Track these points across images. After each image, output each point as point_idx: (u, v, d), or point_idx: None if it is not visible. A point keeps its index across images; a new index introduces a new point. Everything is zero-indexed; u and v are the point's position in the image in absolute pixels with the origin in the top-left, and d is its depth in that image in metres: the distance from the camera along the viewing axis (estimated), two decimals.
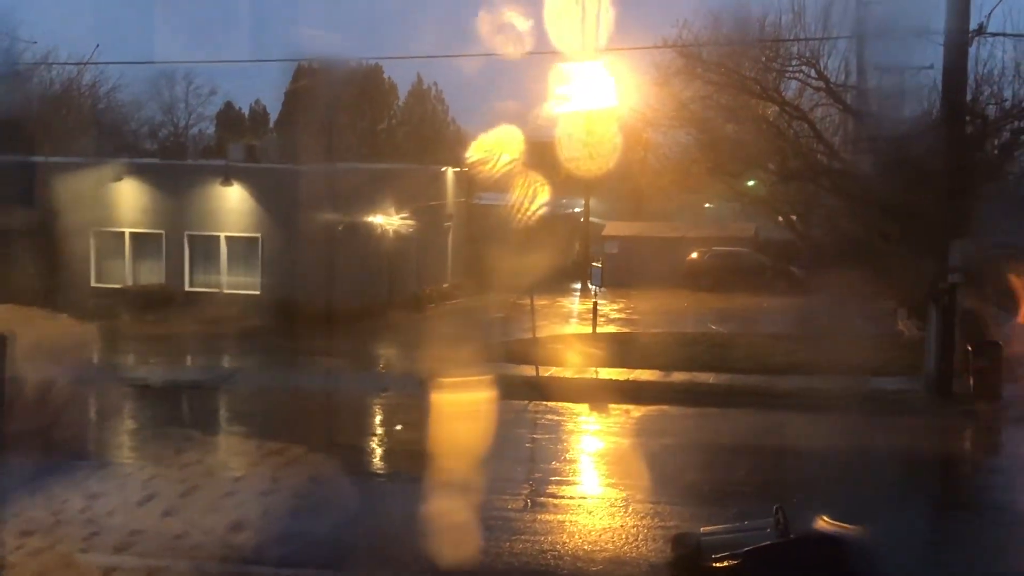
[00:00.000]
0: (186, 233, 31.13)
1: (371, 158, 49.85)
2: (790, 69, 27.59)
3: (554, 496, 14.23)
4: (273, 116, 60.65)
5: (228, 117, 60.30)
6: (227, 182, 30.56)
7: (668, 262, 40.15)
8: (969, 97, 23.62)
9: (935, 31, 23.24)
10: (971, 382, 20.50)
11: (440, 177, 38.26)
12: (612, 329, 29.15)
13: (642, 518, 13.07)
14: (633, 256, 41.44)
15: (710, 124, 30.44)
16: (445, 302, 34.77)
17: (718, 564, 8.48)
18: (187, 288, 31.07)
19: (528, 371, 22.34)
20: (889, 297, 32.72)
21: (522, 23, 26.98)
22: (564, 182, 41.10)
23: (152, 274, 31.50)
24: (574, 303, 36.02)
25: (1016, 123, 27.46)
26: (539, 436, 18.09)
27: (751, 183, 34.71)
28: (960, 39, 20.57)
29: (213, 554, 11.51)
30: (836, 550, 8.42)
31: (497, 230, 39.27)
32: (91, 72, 45.49)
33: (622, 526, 12.80)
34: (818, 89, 27.77)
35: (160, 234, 31.40)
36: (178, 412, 20.59)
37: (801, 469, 15.95)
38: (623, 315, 33.08)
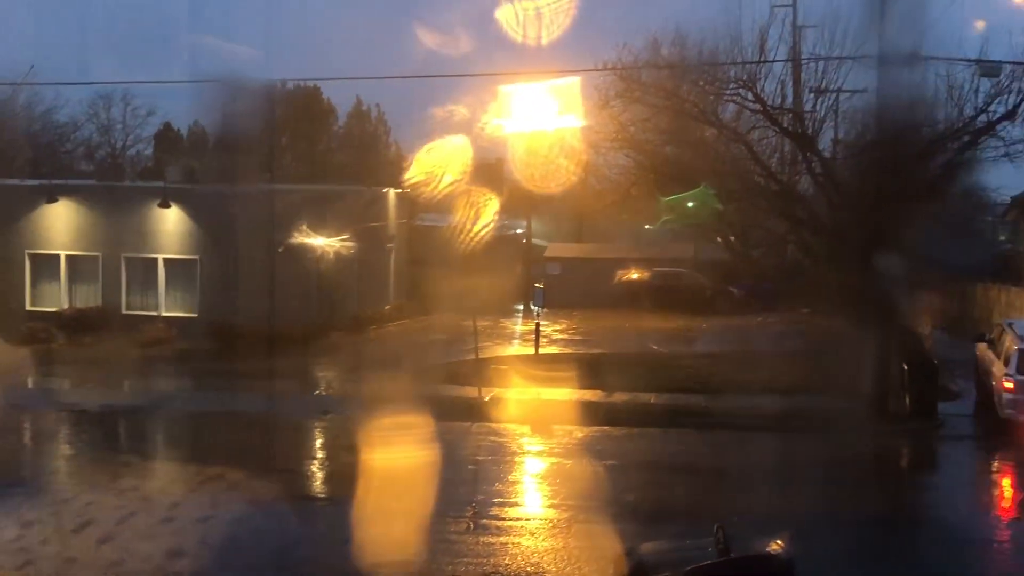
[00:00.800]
0: (123, 255, 30.77)
1: (311, 179, 49.62)
2: (727, 92, 27.92)
3: (497, 518, 14.20)
4: (211, 138, 60.15)
5: (166, 138, 59.72)
6: (165, 204, 30.27)
7: (609, 283, 40.38)
8: (902, 119, 24.06)
9: (870, 55, 23.71)
10: (907, 400, 20.79)
11: (381, 198, 38.17)
12: (554, 350, 29.21)
13: (584, 538, 13.08)
14: (575, 277, 41.60)
15: (649, 146, 30.72)
16: (387, 324, 34.63)
17: None
18: (124, 311, 30.68)
19: (470, 392, 22.31)
20: (825, 316, 33.14)
21: (465, 44, 27.08)
22: (506, 204, 41.21)
23: (89, 297, 31.06)
24: (516, 324, 36.06)
25: (949, 145, 28.02)
26: (482, 458, 18.04)
27: (691, 204, 35.01)
28: (894, 62, 20.96)
29: None
30: (776, 569, 8.47)
31: (439, 252, 39.23)
32: (26, 92, 44.85)
33: (564, 547, 12.80)
34: (755, 112, 28.13)
35: (97, 256, 31.00)
36: (115, 437, 20.28)
37: (741, 488, 16.08)
38: (565, 336, 33.17)
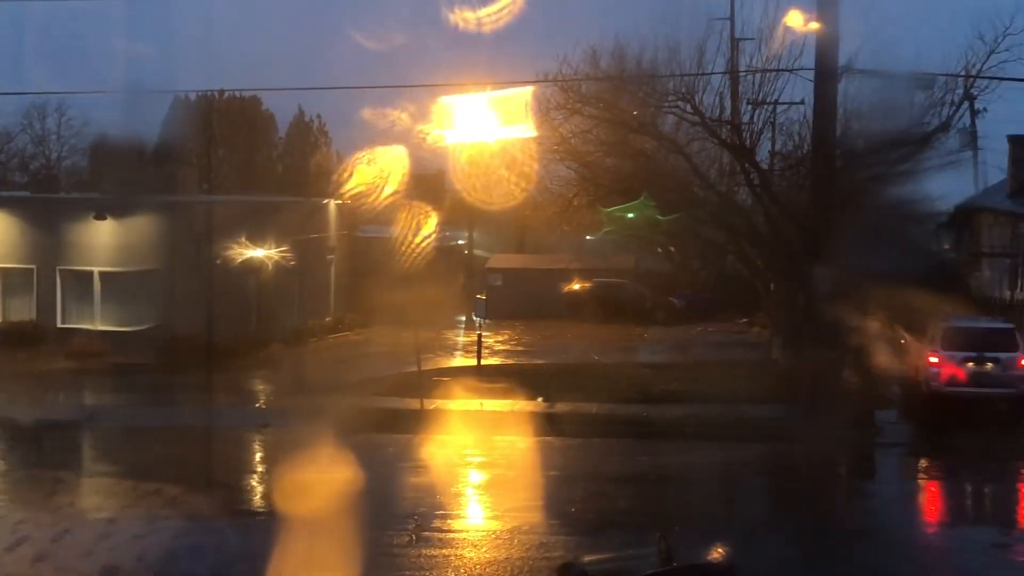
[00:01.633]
0: (58, 268, 30.28)
1: (251, 191, 49.23)
2: (667, 104, 28.12)
3: (439, 530, 14.13)
4: (147, 149, 59.38)
5: (102, 150, 58.84)
6: (101, 216, 29.83)
7: (551, 294, 40.48)
8: (838, 131, 24.40)
9: (806, 67, 24.03)
10: (845, 408, 21.02)
11: (322, 210, 37.96)
12: (496, 361, 29.20)
13: (527, 550, 13.06)
14: (517, 288, 41.65)
15: (590, 157, 30.85)
16: (328, 336, 34.42)
17: None
18: (60, 324, 30.18)
19: (412, 405, 22.22)
20: (764, 325, 33.51)
21: (405, 55, 27.05)
22: (448, 215, 41.17)
23: (23, 310, 30.52)
24: (459, 336, 36.01)
25: (883, 156, 28.45)
26: (424, 469, 17.95)
27: (631, 215, 35.22)
28: (829, 75, 21.25)
29: None
30: None
31: (381, 263, 39.08)
32: None
33: (507, 558, 12.77)
34: (694, 124, 28.35)
35: (31, 269, 30.48)
36: (49, 453, 19.92)
37: (682, 497, 16.18)
38: (507, 347, 33.18)
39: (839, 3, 20.78)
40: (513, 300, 40.16)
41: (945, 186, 31.78)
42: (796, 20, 23.98)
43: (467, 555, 13.06)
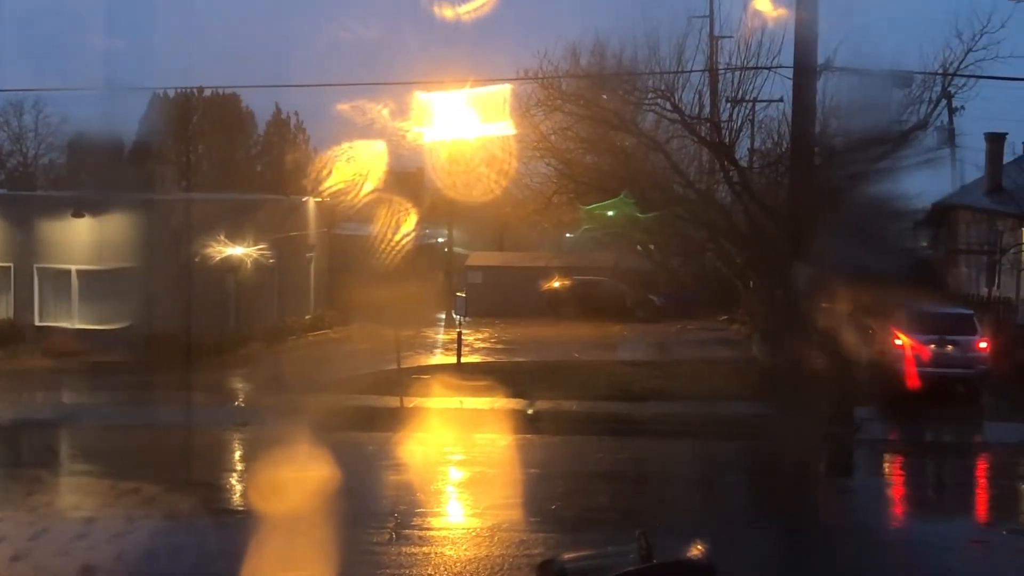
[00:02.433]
0: (35, 266, 30.08)
1: (230, 188, 49.03)
2: (646, 101, 28.15)
3: (419, 528, 14.12)
4: (127, 146, 59.15)
5: (80, 147, 58.53)
6: (78, 213, 29.64)
7: (531, 291, 40.50)
8: (817, 129, 24.48)
9: (785, 65, 24.10)
10: (825, 405, 21.10)
11: (301, 207, 37.84)
12: (477, 359, 29.18)
13: (507, 547, 13.06)
14: (497, 286, 41.64)
15: (570, 155, 30.87)
16: (308, 334, 34.31)
17: None
18: (37, 323, 30.00)
19: (392, 402, 22.19)
20: (743, 322, 33.63)
21: (385, 52, 26.99)
22: (427, 212, 41.12)
23: None
24: (439, 333, 35.96)
25: (861, 154, 28.56)
26: (404, 468, 17.94)
27: (611, 213, 35.27)
28: (808, 73, 21.30)
29: None
30: (697, 573, 8.53)
31: (360, 261, 39.00)
32: None
33: (487, 556, 12.77)
34: (673, 121, 28.38)
35: (8, 267, 30.28)
36: (27, 452, 19.80)
37: (663, 495, 16.21)
38: (487, 344, 33.16)
39: (818, 0, 20.82)
40: (493, 298, 40.16)
41: (923, 184, 31.93)
42: (765, 4, 24.07)
43: (447, 553, 13.05)
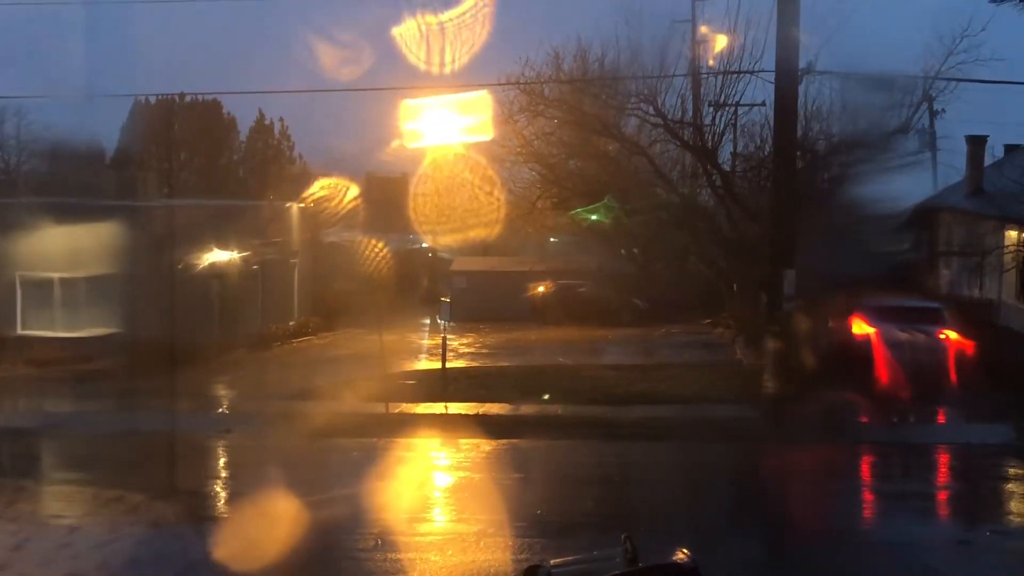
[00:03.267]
0: (17, 274, 29.94)
1: (213, 194, 48.94)
2: (629, 106, 28.28)
3: (404, 534, 14.09)
4: (109, 152, 58.96)
5: (61, 154, 58.25)
6: (62, 220, 29.50)
7: (515, 296, 40.54)
8: (800, 133, 24.60)
9: (767, 69, 24.21)
10: (806, 407, 21.20)
11: (285, 213, 37.80)
12: (461, 364, 29.17)
13: (493, 552, 13.05)
14: (481, 291, 41.68)
15: (554, 160, 30.96)
16: (292, 340, 34.26)
17: None
18: (19, 331, 29.85)
19: (377, 408, 22.16)
20: (727, 326, 33.71)
21: (369, 58, 26.99)
22: (411, 217, 41.10)
23: None
24: (423, 338, 35.95)
25: (844, 157, 28.74)
26: (389, 473, 17.90)
27: (594, 217, 35.37)
28: (790, 77, 21.38)
29: None
30: None
31: (344, 267, 39.00)
32: None
33: (473, 561, 12.76)
34: (656, 125, 28.52)
35: None
36: (9, 461, 19.67)
37: (648, 498, 16.23)
38: (472, 349, 33.16)
39: (799, 4, 20.91)
40: (477, 303, 40.18)
41: (905, 186, 32.13)
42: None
43: (432, 558, 13.03)
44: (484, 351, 32.89)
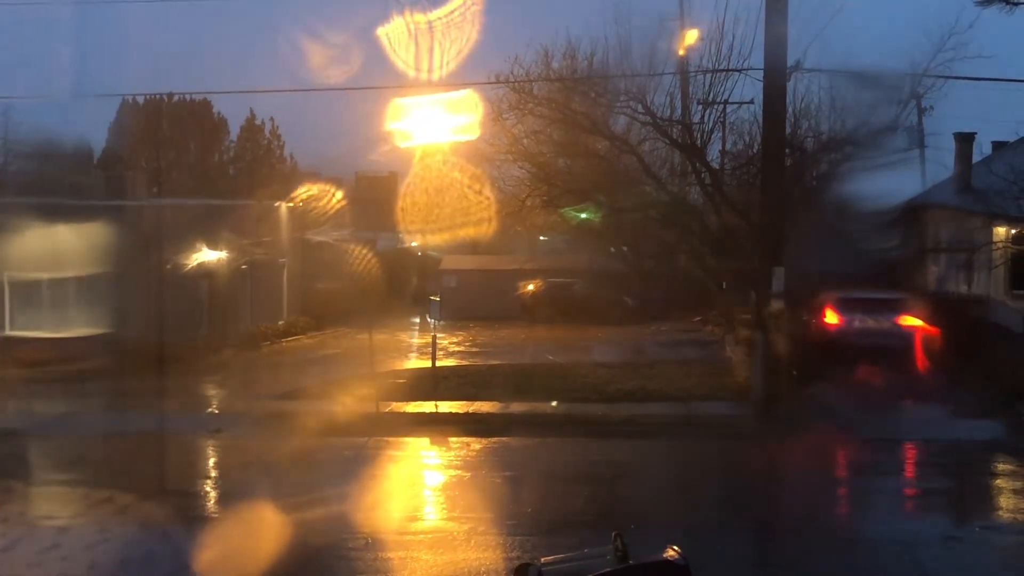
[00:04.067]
0: (6, 274, 29.83)
1: (202, 194, 48.83)
2: (618, 104, 28.27)
3: (395, 532, 14.08)
4: (97, 152, 58.83)
5: (49, 154, 58.05)
6: (50, 220, 29.41)
7: (505, 294, 40.54)
8: (788, 131, 24.63)
9: (755, 67, 24.23)
10: (797, 404, 21.25)
11: (274, 213, 37.74)
12: (452, 362, 29.16)
13: (484, 551, 13.05)
14: (471, 289, 41.67)
15: (543, 158, 30.95)
16: (281, 339, 34.21)
17: None
18: (7, 332, 29.75)
19: (367, 407, 22.13)
20: (717, 323, 33.77)
21: (357, 58, 26.95)
22: (400, 216, 41.05)
23: None
24: (413, 337, 35.93)
25: (832, 155, 28.79)
26: (379, 472, 17.89)
27: (584, 215, 35.41)
28: (779, 74, 21.42)
29: None
30: (673, 574, 8.54)
31: (334, 266, 38.96)
32: None
33: (464, 559, 12.76)
34: (645, 124, 28.51)
35: None
36: None
37: (638, 496, 16.24)
38: (462, 348, 33.15)
39: (787, 2, 20.94)
40: (467, 301, 40.17)
41: (894, 183, 32.20)
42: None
43: (423, 557, 13.03)
44: (474, 350, 32.89)
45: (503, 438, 20.07)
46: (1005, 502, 16.42)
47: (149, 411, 22.42)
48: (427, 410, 22.27)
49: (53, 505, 16.11)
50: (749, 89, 28.46)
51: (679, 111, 30.08)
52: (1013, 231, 28.65)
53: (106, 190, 34.10)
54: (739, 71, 27.24)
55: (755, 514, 15.36)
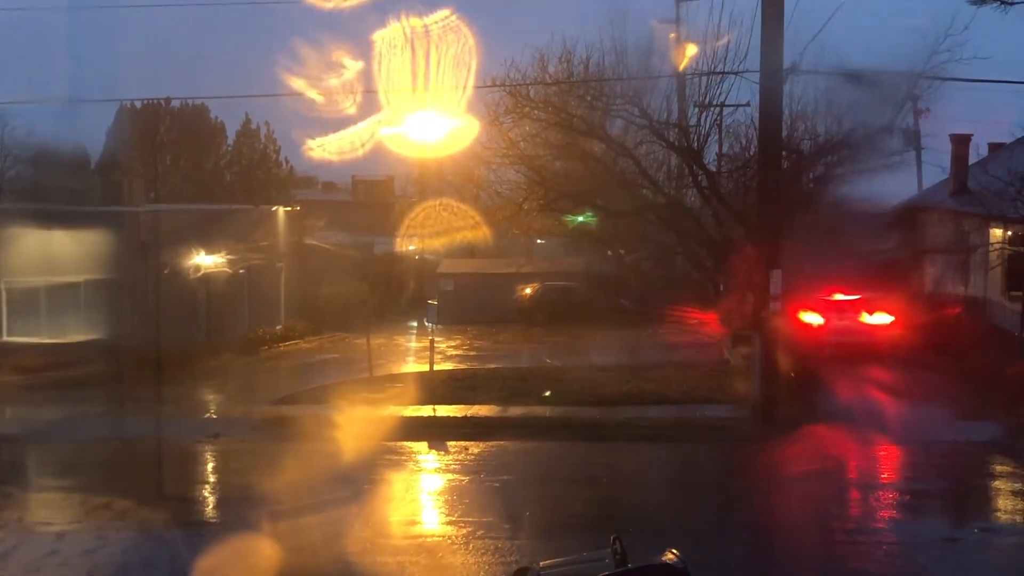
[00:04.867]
0: (3, 280, 29.81)
1: (200, 199, 48.79)
2: (614, 108, 28.27)
3: (394, 537, 14.09)
4: (94, 158, 58.79)
5: (47, 159, 58.00)
6: (47, 226, 29.40)
7: (503, 298, 40.50)
8: (784, 133, 24.62)
9: (751, 70, 24.25)
10: (795, 408, 21.25)
11: (271, 217, 37.72)
12: (449, 366, 29.16)
13: (483, 555, 13.06)
14: (468, 293, 41.63)
15: (540, 161, 30.94)
16: (279, 344, 34.18)
17: None
18: (5, 338, 29.71)
19: (365, 411, 22.14)
20: (714, 326, 33.75)
21: (354, 63, 26.95)
22: (398, 220, 41.09)
23: None
24: (411, 341, 35.92)
25: (829, 157, 28.81)
26: (377, 476, 17.88)
27: (581, 219, 35.41)
28: (775, 77, 21.42)
29: None
30: None
31: (331, 270, 38.95)
32: None
33: (463, 563, 12.76)
34: (642, 127, 28.50)
35: None
36: None
37: (636, 499, 16.24)
38: (460, 352, 33.15)
39: (783, 4, 20.95)
40: (465, 305, 40.14)
41: (890, 185, 32.22)
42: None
43: (423, 561, 13.03)
44: (472, 353, 32.88)
45: (501, 442, 20.08)
46: (1003, 504, 16.44)
47: (147, 416, 22.42)
48: (425, 414, 22.27)
49: (51, 511, 16.11)
50: (745, 92, 28.46)
51: (675, 114, 30.11)
52: (1010, 232, 28.65)
53: (103, 195, 34.07)
54: (735, 74, 27.28)
55: (753, 517, 15.37)
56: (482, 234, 38.18)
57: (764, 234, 21.70)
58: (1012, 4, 21.78)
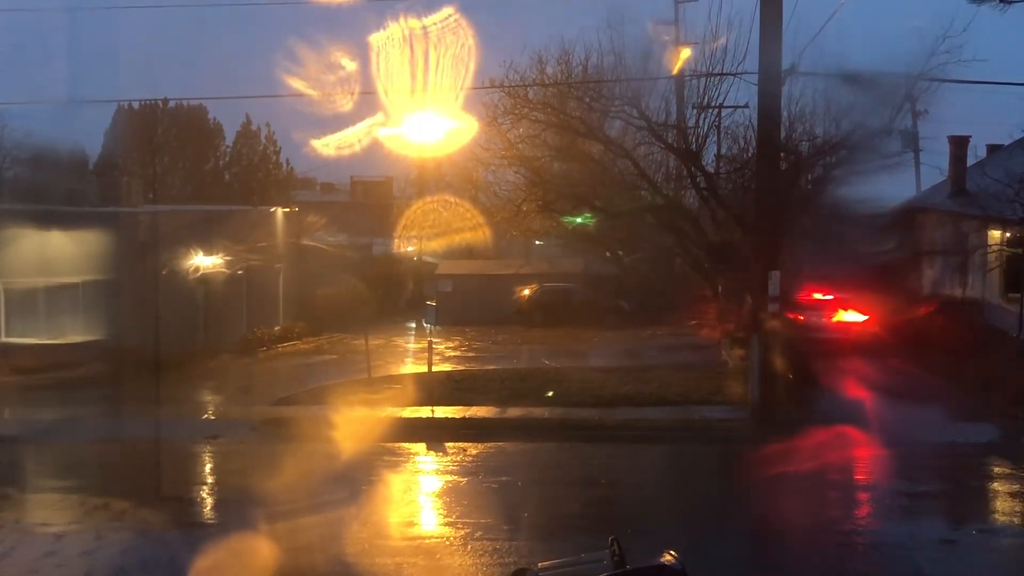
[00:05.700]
0: (1, 281, 29.80)
1: (198, 200, 48.79)
2: (613, 109, 28.29)
3: (392, 538, 14.09)
4: (93, 159, 58.79)
5: (45, 160, 57.98)
6: (46, 227, 29.39)
7: (501, 299, 40.51)
8: (783, 134, 24.63)
9: (750, 71, 24.25)
10: (793, 409, 21.25)
11: (270, 218, 37.71)
12: (448, 367, 29.16)
13: (481, 556, 13.06)
14: (467, 294, 41.63)
15: (538, 163, 30.96)
16: (278, 345, 34.17)
17: None
18: (3, 339, 29.70)
19: (364, 412, 22.14)
20: (712, 327, 33.77)
21: (352, 64, 26.98)
22: (396, 221, 41.09)
23: None
24: (409, 342, 35.92)
25: (827, 158, 28.83)
26: (376, 478, 17.89)
27: (579, 220, 35.42)
28: (773, 78, 21.42)
29: None
30: None
31: (330, 271, 38.94)
32: None
33: (461, 565, 12.76)
34: (640, 128, 28.53)
35: None
36: None
37: (635, 500, 16.25)
38: (458, 353, 33.15)
39: (781, 6, 20.97)
40: (463, 306, 40.14)
41: (888, 187, 32.25)
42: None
43: (420, 563, 13.03)
44: (470, 354, 32.88)
45: (499, 443, 20.08)
46: (1001, 505, 16.44)
47: (145, 417, 22.40)
48: (423, 415, 22.27)
49: (49, 512, 16.10)
50: (744, 93, 28.50)
51: (674, 115, 30.12)
52: (1008, 234, 28.68)
53: (102, 196, 34.11)
54: (734, 75, 27.31)
55: (751, 518, 15.36)
56: (481, 235, 38.23)
57: (762, 235, 21.71)
58: (1011, 3, 21.78)
